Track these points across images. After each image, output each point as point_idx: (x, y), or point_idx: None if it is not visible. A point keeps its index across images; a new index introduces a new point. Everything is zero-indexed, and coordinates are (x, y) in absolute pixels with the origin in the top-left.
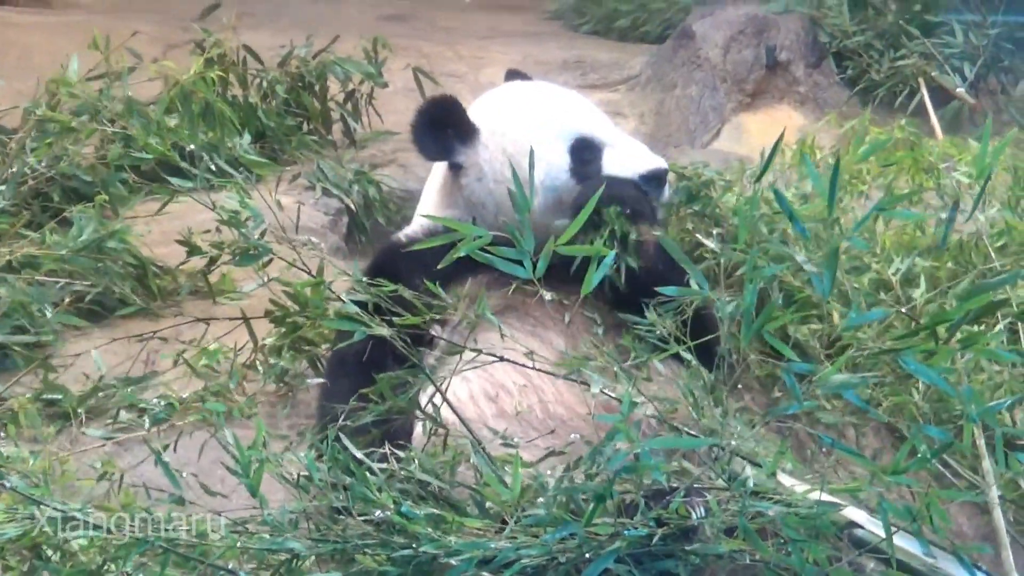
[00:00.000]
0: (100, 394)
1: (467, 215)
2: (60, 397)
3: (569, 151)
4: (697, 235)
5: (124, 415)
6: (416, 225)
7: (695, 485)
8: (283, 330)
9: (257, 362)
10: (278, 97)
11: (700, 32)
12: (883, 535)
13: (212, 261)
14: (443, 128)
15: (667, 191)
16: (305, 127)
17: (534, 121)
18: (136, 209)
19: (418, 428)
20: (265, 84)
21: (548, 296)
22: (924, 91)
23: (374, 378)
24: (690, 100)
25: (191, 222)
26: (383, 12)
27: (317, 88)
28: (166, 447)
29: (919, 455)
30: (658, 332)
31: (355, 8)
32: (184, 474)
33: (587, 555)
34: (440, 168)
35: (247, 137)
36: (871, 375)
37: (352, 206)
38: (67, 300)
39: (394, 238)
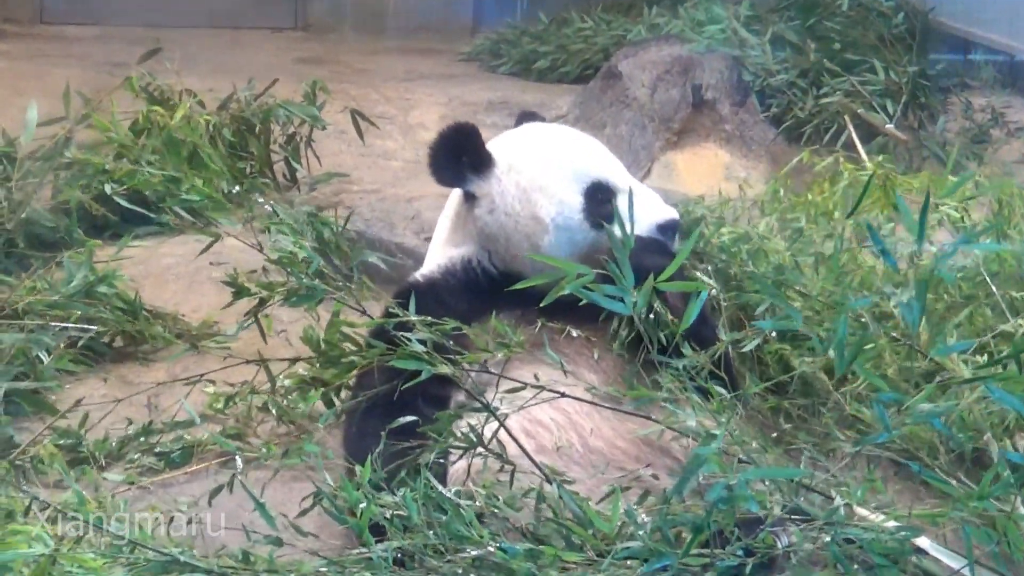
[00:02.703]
0: (113, 440)
1: (481, 247)
2: (77, 442)
3: (583, 193)
4: (696, 272)
5: (145, 459)
6: (432, 264)
7: (782, 515)
8: (300, 371)
9: (268, 404)
10: (224, 140)
11: (626, 72)
12: (947, 561)
13: (262, 302)
14: (459, 156)
15: (678, 241)
16: (248, 170)
17: (551, 161)
18: (98, 253)
19: (457, 465)
20: (212, 127)
21: (576, 333)
22: (850, 128)
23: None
24: (621, 139)
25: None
26: (297, 56)
27: (259, 131)
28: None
29: (1002, 480)
30: (696, 369)
31: (268, 53)
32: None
33: None
34: (454, 199)
35: (199, 181)
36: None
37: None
38: (62, 345)
39: (411, 279)
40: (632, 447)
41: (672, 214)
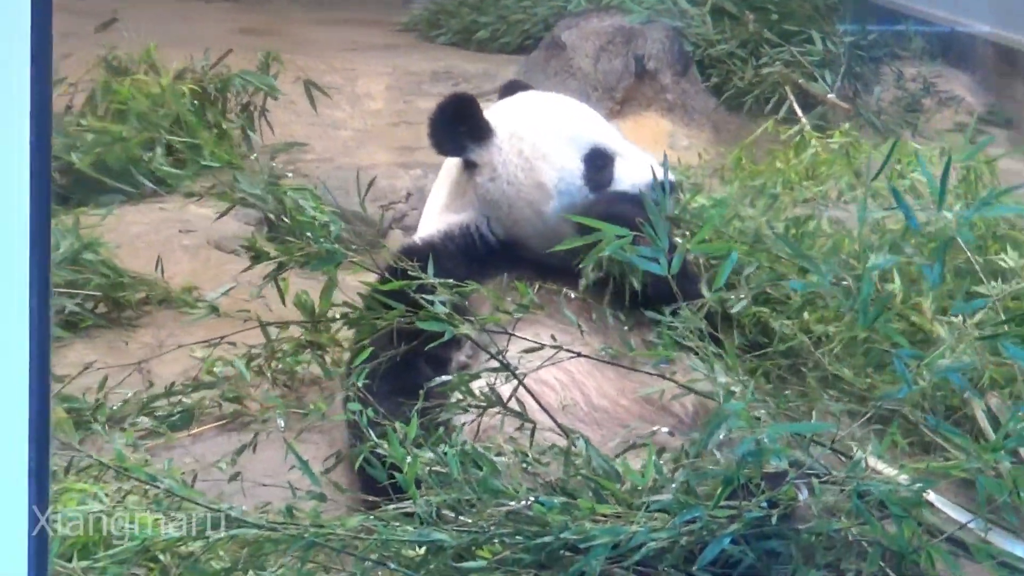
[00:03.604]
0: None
1: (481, 214)
2: (79, 407)
3: (583, 159)
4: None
5: (147, 423)
6: (431, 229)
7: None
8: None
9: (240, 367)
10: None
11: (570, 42)
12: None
13: (281, 267)
14: (457, 126)
15: (673, 201)
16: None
17: (551, 128)
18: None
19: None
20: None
21: (573, 295)
22: (791, 98)
23: (406, 378)
24: None
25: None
26: (239, 26)
27: (215, 100)
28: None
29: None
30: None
31: (209, 23)
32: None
33: (706, 537)
34: (452, 167)
35: (159, 150)
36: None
37: (271, 216)
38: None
39: (409, 242)
40: (635, 405)
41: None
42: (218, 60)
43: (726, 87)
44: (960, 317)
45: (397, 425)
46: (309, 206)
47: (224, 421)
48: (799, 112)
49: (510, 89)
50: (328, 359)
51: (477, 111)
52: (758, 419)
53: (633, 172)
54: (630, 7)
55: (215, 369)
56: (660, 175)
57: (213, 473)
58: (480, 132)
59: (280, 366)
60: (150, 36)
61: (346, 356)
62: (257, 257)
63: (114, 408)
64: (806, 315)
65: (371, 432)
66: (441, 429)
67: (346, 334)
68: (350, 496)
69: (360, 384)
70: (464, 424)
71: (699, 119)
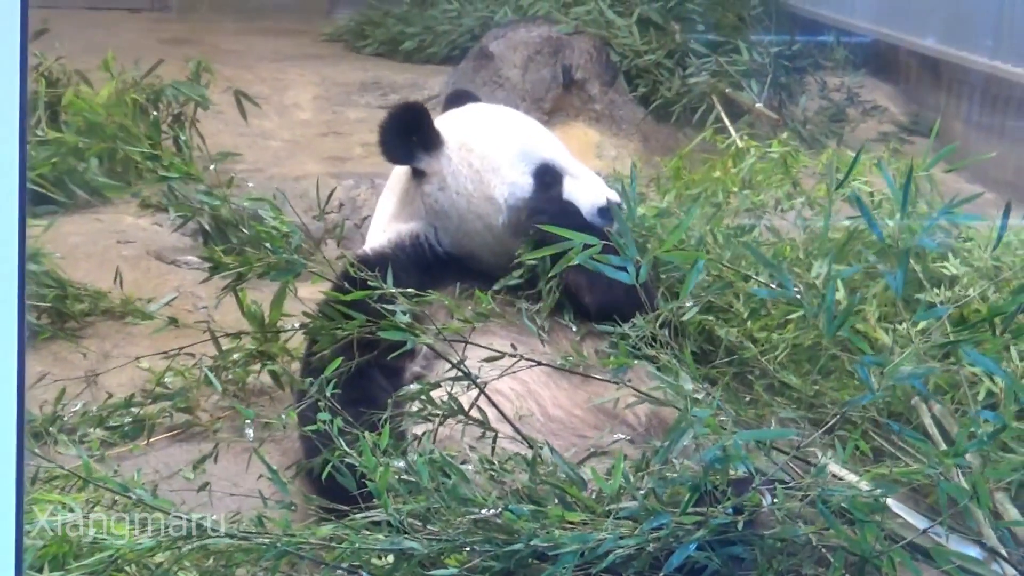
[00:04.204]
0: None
1: (428, 224)
2: (30, 417)
3: (533, 174)
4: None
5: (97, 433)
6: (381, 238)
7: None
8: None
9: (210, 377)
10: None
11: (498, 52)
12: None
13: (240, 277)
14: (408, 134)
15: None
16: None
17: (502, 141)
18: None
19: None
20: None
21: (524, 306)
22: (719, 107)
23: (362, 388)
24: None
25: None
26: (161, 36)
27: (147, 111)
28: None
29: (976, 439)
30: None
31: (132, 34)
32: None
33: (672, 543)
34: (401, 175)
35: (93, 161)
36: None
37: (207, 227)
38: None
39: (360, 252)
40: (590, 415)
41: (613, 196)
42: (150, 70)
43: (653, 97)
44: (904, 325)
45: (367, 434)
46: (268, 216)
47: (176, 431)
48: (727, 122)
49: (456, 99)
50: (278, 369)
51: (428, 120)
52: (723, 426)
53: (582, 192)
54: (557, 18)
55: (165, 380)
56: (610, 196)
57: (172, 483)
58: (430, 141)
59: (231, 376)
60: (74, 46)
61: (295, 366)
62: (216, 268)
63: (65, 419)
64: (749, 323)
65: (340, 441)
66: (405, 438)
67: (296, 344)
68: (310, 505)
69: (328, 394)
70: (425, 433)
71: (627, 129)
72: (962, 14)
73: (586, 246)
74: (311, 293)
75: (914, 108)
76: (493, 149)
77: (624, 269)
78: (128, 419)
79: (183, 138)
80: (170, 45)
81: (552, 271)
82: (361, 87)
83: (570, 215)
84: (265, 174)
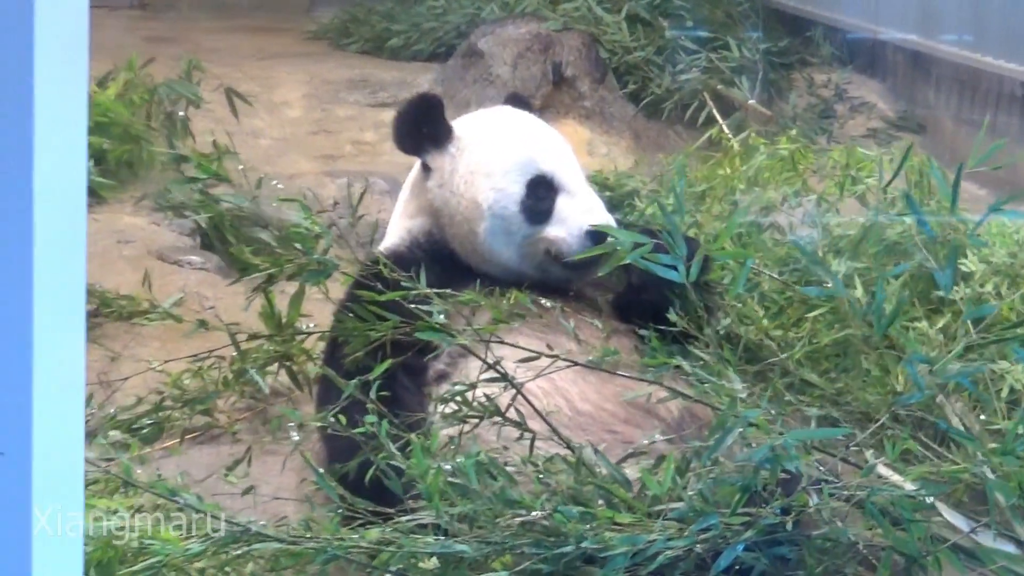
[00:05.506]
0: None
1: (434, 221)
2: None
3: (526, 184)
4: None
5: (117, 435)
6: (394, 237)
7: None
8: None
9: (228, 378)
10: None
11: (488, 49)
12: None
13: (271, 278)
14: (420, 126)
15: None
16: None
17: (503, 146)
18: None
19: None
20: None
21: (548, 303)
22: (711, 104)
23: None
24: None
25: None
26: (144, 35)
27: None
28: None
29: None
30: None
31: (114, 32)
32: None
33: (719, 544)
34: (414, 172)
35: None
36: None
37: (203, 225)
38: None
39: (377, 251)
40: (620, 409)
41: (606, 221)
42: (142, 67)
43: (643, 94)
44: (926, 322)
45: (414, 436)
46: (299, 218)
47: (195, 434)
48: (719, 119)
49: (511, 101)
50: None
51: (440, 114)
52: (772, 426)
53: (574, 211)
54: (545, 14)
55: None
56: (599, 221)
57: (200, 486)
58: (439, 136)
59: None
60: None
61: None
62: (245, 269)
63: (89, 422)
64: (765, 321)
65: (389, 443)
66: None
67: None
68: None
69: (374, 396)
70: (462, 434)
71: (618, 126)
72: (940, 7)
73: (637, 245)
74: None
75: (903, 104)
76: (492, 153)
77: (675, 268)
78: (148, 421)
79: (174, 137)
80: (153, 43)
81: (604, 269)
82: (349, 84)
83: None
84: (257, 172)
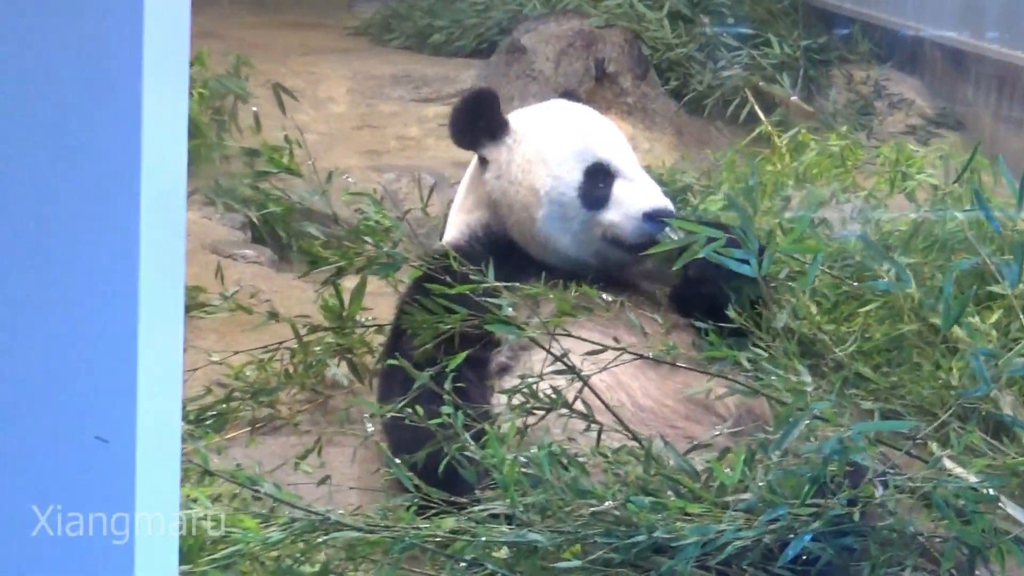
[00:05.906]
0: None
1: (493, 214)
2: None
3: (584, 172)
4: None
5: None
6: (454, 231)
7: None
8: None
9: (290, 371)
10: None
11: (530, 46)
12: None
13: (340, 271)
14: (476, 120)
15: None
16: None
17: (562, 135)
18: None
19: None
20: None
21: (609, 297)
22: (752, 100)
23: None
24: None
25: None
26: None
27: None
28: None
29: None
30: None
31: None
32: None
33: (787, 535)
34: (471, 166)
35: None
36: None
37: (255, 220)
38: None
39: (438, 246)
40: (681, 405)
41: (664, 203)
42: (190, 64)
43: (685, 90)
44: (977, 318)
45: (489, 427)
46: (371, 211)
47: (259, 424)
48: (761, 115)
49: (565, 96)
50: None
51: (495, 107)
52: (840, 417)
53: (632, 196)
54: (588, 11)
55: (246, 373)
56: (659, 204)
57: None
58: (495, 129)
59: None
60: None
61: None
62: (315, 262)
63: None
64: (818, 316)
65: (465, 434)
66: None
67: (375, 338)
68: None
69: (449, 388)
70: (529, 426)
71: (660, 122)
72: (980, 4)
73: (709, 240)
74: (378, 287)
75: (941, 101)
76: (549, 142)
77: (747, 262)
78: (212, 413)
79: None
80: (198, 38)
81: (677, 264)
82: (393, 80)
83: None
84: (304, 167)
